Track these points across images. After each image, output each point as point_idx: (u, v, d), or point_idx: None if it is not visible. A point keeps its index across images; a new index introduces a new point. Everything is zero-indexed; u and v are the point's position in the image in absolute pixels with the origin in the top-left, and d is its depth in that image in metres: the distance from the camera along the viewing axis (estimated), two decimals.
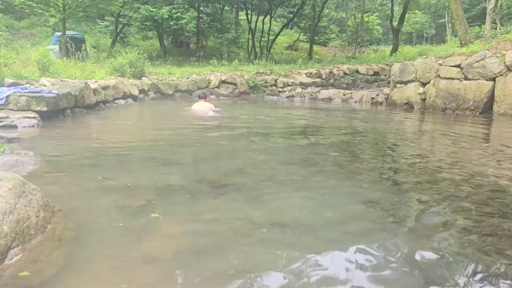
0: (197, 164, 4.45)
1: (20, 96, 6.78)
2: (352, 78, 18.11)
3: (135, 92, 11.21)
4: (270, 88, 15.78)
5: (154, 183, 3.53)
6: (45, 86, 7.83)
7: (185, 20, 18.07)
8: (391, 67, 14.79)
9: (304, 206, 3.11)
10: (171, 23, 17.95)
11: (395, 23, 25.12)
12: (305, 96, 14.97)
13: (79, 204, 2.91)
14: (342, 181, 3.84)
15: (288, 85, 16.06)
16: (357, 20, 26.81)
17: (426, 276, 2.07)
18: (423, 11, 35.05)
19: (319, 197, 3.33)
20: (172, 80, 13.67)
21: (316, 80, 17.15)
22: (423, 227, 2.71)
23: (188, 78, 14.28)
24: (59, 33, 15.43)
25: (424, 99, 11.08)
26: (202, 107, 8.64)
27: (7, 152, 3.98)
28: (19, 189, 2.34)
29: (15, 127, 6.04)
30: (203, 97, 9.21)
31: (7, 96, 6.77)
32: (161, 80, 13.34)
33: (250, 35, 22.53)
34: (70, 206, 2.82)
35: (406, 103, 11.70)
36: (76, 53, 12.28)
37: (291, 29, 31.36)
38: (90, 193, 3.18)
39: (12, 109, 6.69)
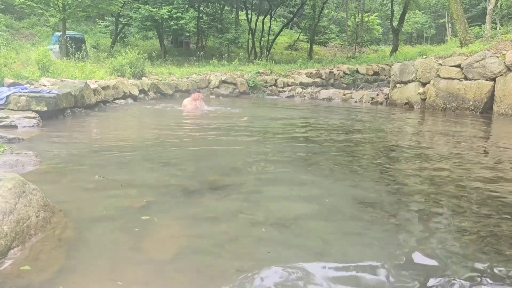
0: (197, 164, 4.45)
1: (20, 96, 6.78)
2: (352, 78, 18.11)
3: (135, 92, 11.21)
4: (270, 88, 15.77)
5: (154, 183, 3.53)
6: (45, 86, 7.83)
7: (185, 20, 18.07)
8: (391, 67, 14.79)
9: (304, 206, 3.11)
10: (171, 23, 17.95)
11: (395, 23, 25.13)
12: (305, 96, 14.97)
13: (79, 204, 2.91)
14: (342, 181, 3.84)
15: (288, 85, 16.05)
16: (357, 20, 26.80)
17: (426, 276, 2.07)
18: (423, 11, 35.05)
19: (319, 197, 3.33)
20: (172, 80, 13.67)
21: (316, 80, 17.14)
22: (423, 227, 2.71)
23: (188, 78, 14.28)
24: (59, 33, 15.44)
25: (424, 99, 11.08)
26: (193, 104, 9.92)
27: (7, 152, 3.99)
28: (19, 189, 2.34)
29: (15, 127, 6.05)
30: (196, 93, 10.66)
31: (7, 96, 6.77)
32: (161, 80, 13.33)
33: (250, 35, 22.53)
34: (70, 206, 2.82)
35: (406, 103, 11.70)
36: (76, 53, 12.28)
37: (291, 29, 31.35)
38: (90, 193, 3.18)
39: (12, 109, 6.69)
